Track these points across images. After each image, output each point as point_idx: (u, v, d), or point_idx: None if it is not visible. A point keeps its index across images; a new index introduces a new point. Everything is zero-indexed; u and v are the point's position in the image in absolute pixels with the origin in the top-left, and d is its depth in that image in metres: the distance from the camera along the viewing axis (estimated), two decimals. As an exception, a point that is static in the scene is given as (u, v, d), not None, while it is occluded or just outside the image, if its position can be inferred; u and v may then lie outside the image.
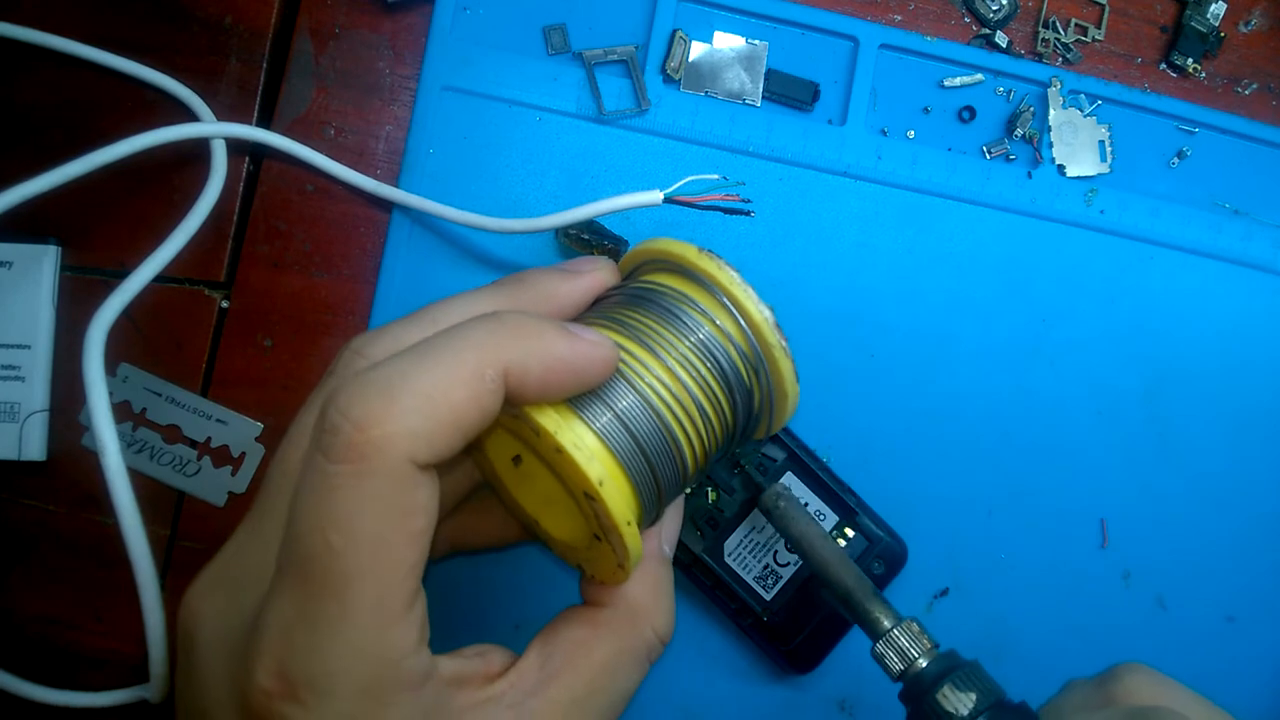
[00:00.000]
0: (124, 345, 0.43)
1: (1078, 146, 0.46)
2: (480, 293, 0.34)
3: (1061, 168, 0.46)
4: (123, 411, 0.43)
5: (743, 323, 0.33)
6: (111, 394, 0.42)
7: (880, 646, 0.34)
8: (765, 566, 0.41)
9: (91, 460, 0.42)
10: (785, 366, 0.33)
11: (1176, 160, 0.47)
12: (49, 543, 0.42)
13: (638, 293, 0.34)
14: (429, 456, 0.27)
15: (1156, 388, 0.46)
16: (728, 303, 0.33)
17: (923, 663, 0.33)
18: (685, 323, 0.32)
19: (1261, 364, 0.47)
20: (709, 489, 0.42)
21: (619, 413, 0.30)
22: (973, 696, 0.32)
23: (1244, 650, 0.46)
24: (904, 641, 0.33)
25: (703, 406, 0.32)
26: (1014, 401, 0.45)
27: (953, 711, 0.32)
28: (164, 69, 0.43)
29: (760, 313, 0.32)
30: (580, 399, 0.30)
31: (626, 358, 0.31)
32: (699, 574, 0.41)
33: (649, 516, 0.32)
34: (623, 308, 0.33)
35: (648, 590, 0.33)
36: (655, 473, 0.31)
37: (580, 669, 0.31)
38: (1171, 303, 0.46)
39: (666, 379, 0.31)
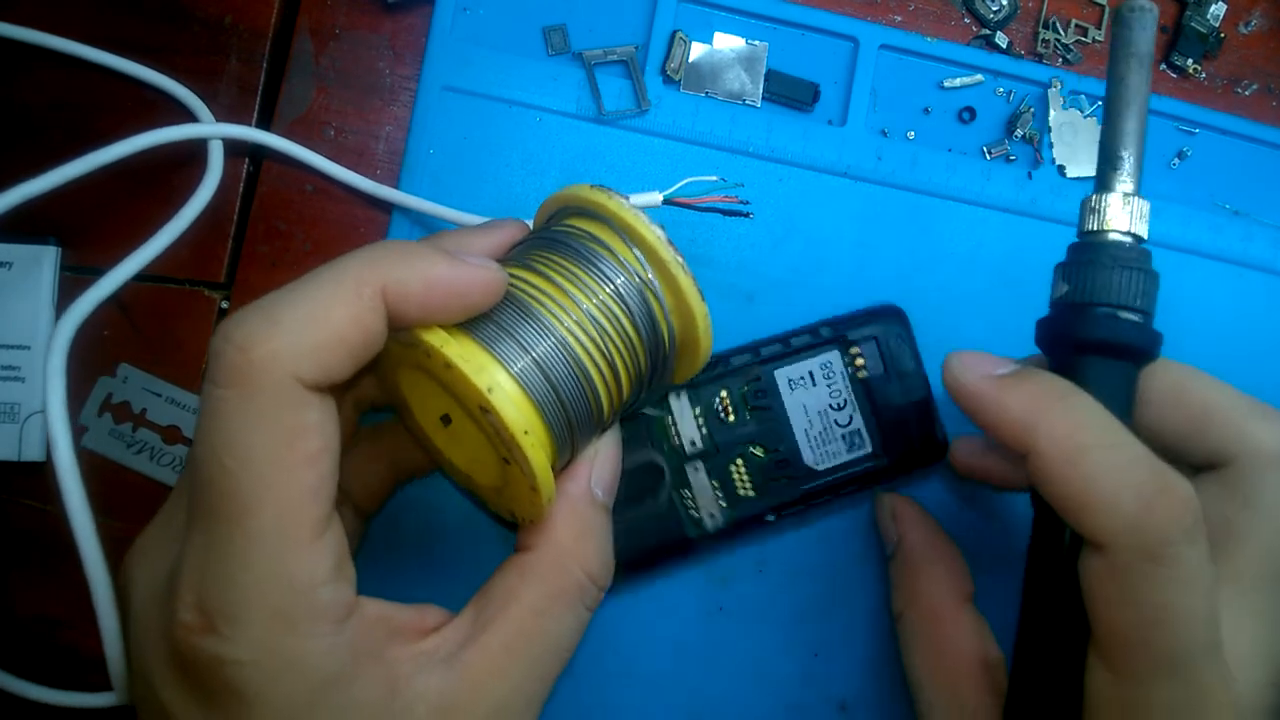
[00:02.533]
0: (124, 345, 0.43)
1: (1078, 147, 0.46)
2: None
3: (1062, 168, 0.46)
4: (122, 411, 0.43)
5: (635, 247, 0.33)
6: (111, 394, 0.42)
7: (1093, 200, 0.33)
8: (843, 438, 0.41)
9: (92, 460, 0.42)
10: (684, 282, 0.33)
11: (1177, 161, 0.47)
12: (49, 543, 0.42)
13: (541, 234, 0.35)
14: (315, 375, 0.27)
15: (1156, 388, 0.46)
16: (619, 229, 0.33)
17: (1110, 236, 0.32)
18: (579, 251, 0.33)
19: (1261, 364, 0.46)
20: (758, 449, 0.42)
21: (514, 335, 0.31)
22: (1065, 288, 0.32)
23: (1244, 650, 0.46)
24: (1114, 211, 0.32)
25: (600, 323, 0.32)
26: (1014, 402, 0.45)
27: (1051, 292, 0.33)
28: (164, 69, 0.43)
29: (652, 232, 0.33)
30: (479, 329, 0.31)
31: (524, 286, 0.32)
32: (816, 501, 0.42)
33: (562, 448, 0.32)
34: (527, 250, 0.34)
35: (573, 531, 0.33)
36: (558, 393, 0.31)
37: (510, 616, 0.31)
38: (1171, 303, 0.46)
39: (563, 302, 0.32)
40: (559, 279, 0.33)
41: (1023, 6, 0.47)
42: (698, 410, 0.41)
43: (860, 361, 0.42)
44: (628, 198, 0.34)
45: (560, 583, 0.32)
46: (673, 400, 0.41)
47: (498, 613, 0.31)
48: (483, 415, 0.30)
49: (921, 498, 0.42)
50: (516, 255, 0.35)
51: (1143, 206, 0.32)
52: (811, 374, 0.42)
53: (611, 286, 0.33)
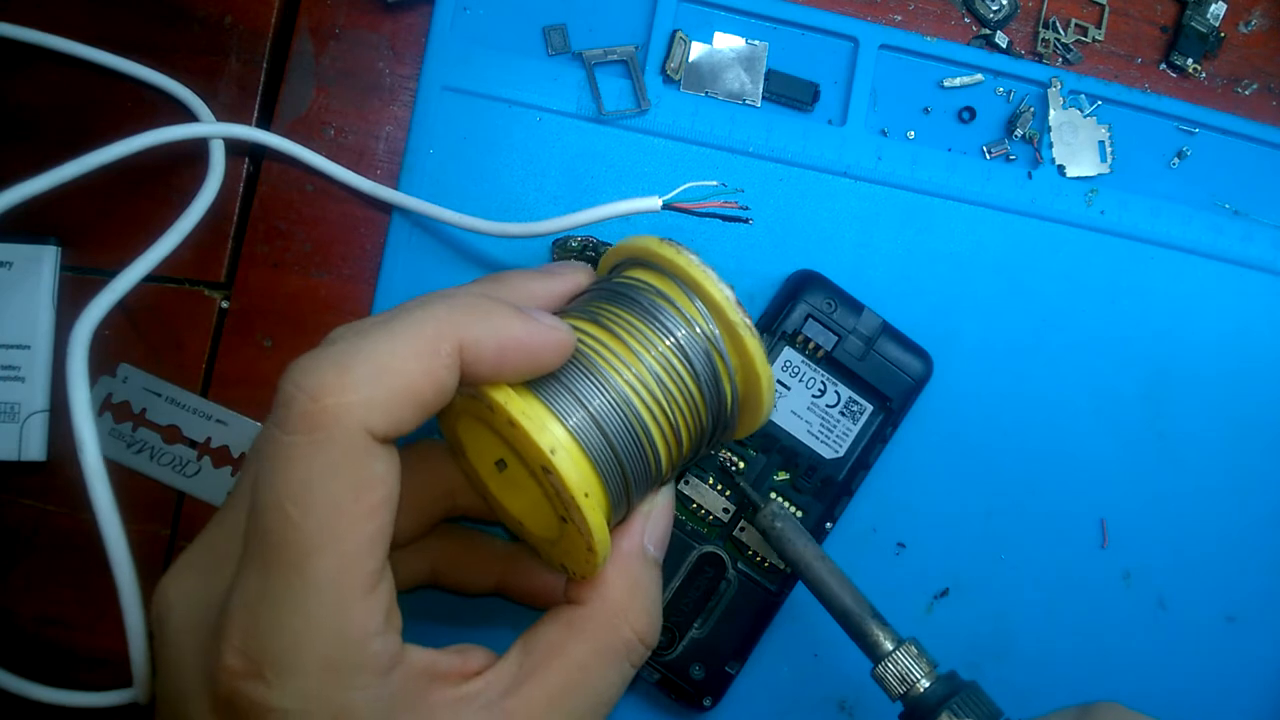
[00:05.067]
0: (124, 345, 0.43)
1: (1078, 146, 0.46)
2: (456, 289, 0.34)
3: (1061, 168, 0.46)
4: (123, 411, 0.43)
5: (700, 304, 0.33)
6: (111, 394, 0.42)
7: (880, 670, 0.34)
8: (843, 415, 0.42)
9: (91, 460, 0.42)
10: (750, 344, 0.33)
11: (1176, 160, 0.47)
12: (49, 543, 0.42)
13: (606, 286, 0.34)
14: (385, 427, 0.27)
15: (1156, 388, 0.46)
16: (686, 286, 0.33)
17: (924, 685, 0.34)
18: (645, 306, 0.33)
19: (1261, 364, 0.46)
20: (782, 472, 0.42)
21: (577, 394, 0.31)
22: None
23: (1244, 650, 0.46)
24: (904, 665, 0.34)
25: (663, 382, 0.32)
26: (1014, 401, 0.45)
27: None
28: (164, 69, 0.43)
29: (720, 291, 0.32)
30: (542, 386, 0.31)
31: (589, 341, 0.32)
32: (856, 482, 0.42)
33: (618, 505, 0.32)
34: (591, 301, 0.34)
35: (625, 589, 0.32)
36: (617, 452, 0.31)
37: (555, 668, 0.31)
38: (1171, 303, 0.46)
39: (627, 359, 0.32)
40: (622, 333, 0.32)
41: (1023, 6, 0.47)
42: (711, 480, 0.42)
43: (812, 344, 0.42)
44: (696, 254, 0.33)
45: (608, 640, 0.32)
46: (684, 489, 0.41)
47: (542, 664, 0.31)
48: (544, 475, 0.30)
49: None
50: (579, 305, 0.34)
51: (912, 647, 0.34)
52: (781, 382, 0.42)
53: (675, 342, 0.32)
